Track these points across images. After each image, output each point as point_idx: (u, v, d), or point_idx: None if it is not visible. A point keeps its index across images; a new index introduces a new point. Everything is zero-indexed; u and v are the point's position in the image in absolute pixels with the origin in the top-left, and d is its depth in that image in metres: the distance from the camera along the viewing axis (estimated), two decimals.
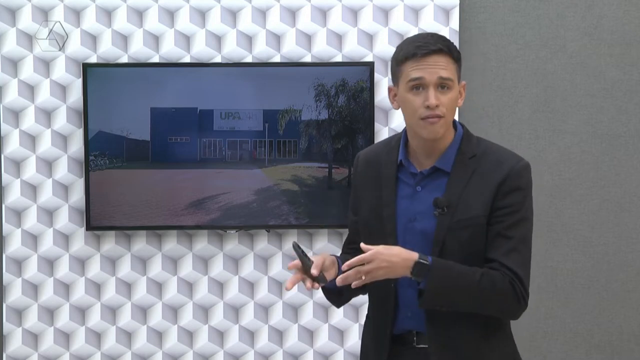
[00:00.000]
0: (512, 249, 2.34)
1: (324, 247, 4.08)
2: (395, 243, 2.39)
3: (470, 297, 2.33)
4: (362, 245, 2.30)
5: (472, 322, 2.38)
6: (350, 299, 2.56)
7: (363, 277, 2.26)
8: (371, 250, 2.27)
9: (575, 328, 4.20)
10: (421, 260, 2.29)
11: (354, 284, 2.28)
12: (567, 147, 4.17)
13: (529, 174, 2.40)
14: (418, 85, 2.33)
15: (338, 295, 2.50)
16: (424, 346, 2.41)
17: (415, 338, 2.42)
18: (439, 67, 2.32)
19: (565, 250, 4.18)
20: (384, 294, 2.45)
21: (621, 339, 4.20)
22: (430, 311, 2.37)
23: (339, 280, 2.27)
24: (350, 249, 2.59)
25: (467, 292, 2.32)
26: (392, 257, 2.28)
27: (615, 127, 4.17)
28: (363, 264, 2.27)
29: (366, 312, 2.61)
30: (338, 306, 2.58)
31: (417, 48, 2.33)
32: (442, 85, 2.33)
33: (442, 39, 2.36)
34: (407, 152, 2.46)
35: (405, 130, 2.48)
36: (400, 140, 2.48)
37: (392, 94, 2.44)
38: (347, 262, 2.27)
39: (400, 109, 2.42)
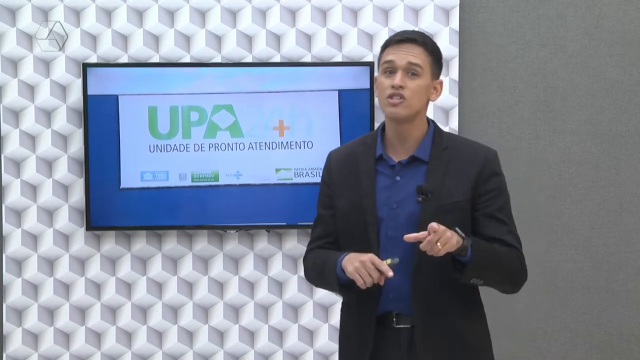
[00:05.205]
0: (509, 231, 2.60)
1: None
2: (376, 231, 2.56)
3: (501, 268, 2.55)
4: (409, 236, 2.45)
5: (454, 302, 2.57)
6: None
7: (439, 246, 2.40)
8: (434, 224, 2.41)
9: (575, 328, 4.19)
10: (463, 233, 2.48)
11: (431, 253, 2.42)
12: (567, 147, 4.17)
13: (499, 161, 2.63)
14: (390, 69, 2.56)
15: (348, 289, 2.60)
16: (403, 326, 2.57)
17: (394, 319, 2.58)
18: (410, 54, 2.56)
19: (565, 250, 4.18)
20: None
21: (621, 339, 4.20)
22: (417, 292, 2.54)
23: (409, 238, 2.43)
24: (329, 242, 2.68)
25: (499, 263, 2.54)
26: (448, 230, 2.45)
27: (615, 127, 4.17)
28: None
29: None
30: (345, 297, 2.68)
31: (394, 36, 2.62)
32: (412, 71, 2.55)
33: (420, 34, 2.61)
34: (384, 147, 2.63)
35: (380, 127, 2.66)
36: (377, 136, 2.65)
37: (376, 82, 2.65)
38: (414, 235, 2.42)
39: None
